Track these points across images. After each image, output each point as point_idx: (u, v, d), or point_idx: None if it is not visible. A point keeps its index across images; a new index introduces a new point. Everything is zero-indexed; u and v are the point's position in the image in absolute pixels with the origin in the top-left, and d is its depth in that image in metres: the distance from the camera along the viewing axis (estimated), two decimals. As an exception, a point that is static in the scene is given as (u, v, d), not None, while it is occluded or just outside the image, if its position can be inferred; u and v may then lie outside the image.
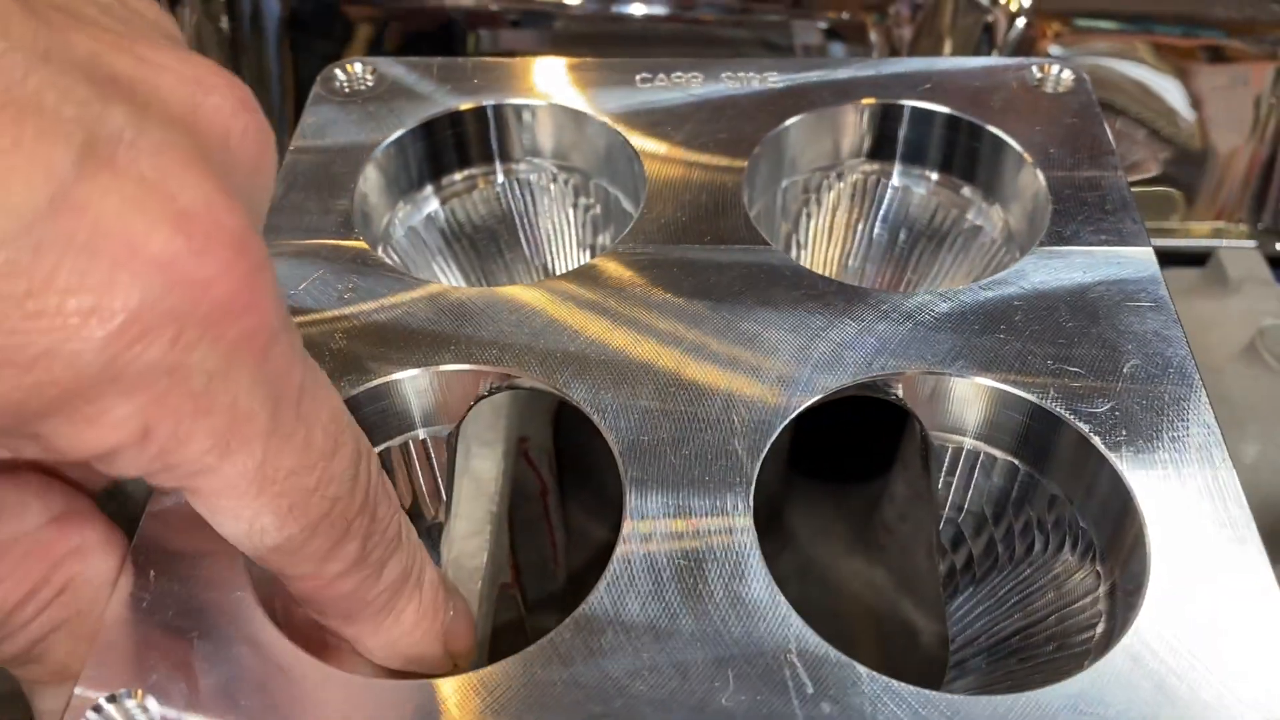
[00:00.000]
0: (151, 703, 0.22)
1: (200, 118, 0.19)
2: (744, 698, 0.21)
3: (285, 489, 0.20)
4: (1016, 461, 0.28)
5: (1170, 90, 0.55)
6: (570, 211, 0.36)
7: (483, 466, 0.34)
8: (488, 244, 0.36)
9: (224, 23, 0.57)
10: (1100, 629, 0.25)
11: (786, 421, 0.26)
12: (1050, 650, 0.27)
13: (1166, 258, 0.53)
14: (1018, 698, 0.21)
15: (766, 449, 0.26)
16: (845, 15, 0.55)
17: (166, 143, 0.17)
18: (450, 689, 0.22)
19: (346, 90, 0.36)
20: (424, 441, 0.29)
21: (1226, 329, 0.46)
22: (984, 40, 0.54)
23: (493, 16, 0.56)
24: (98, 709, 0.21)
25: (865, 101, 0.34)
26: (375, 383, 0.28)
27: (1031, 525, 0.29)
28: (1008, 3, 0.53)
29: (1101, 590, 0.26)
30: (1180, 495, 0.24)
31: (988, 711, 0.21)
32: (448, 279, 0.35)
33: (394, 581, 0.23)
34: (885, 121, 0.34)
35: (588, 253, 0.36)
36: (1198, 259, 0.56)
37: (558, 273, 0.36)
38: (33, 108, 0.16)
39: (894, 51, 0.55)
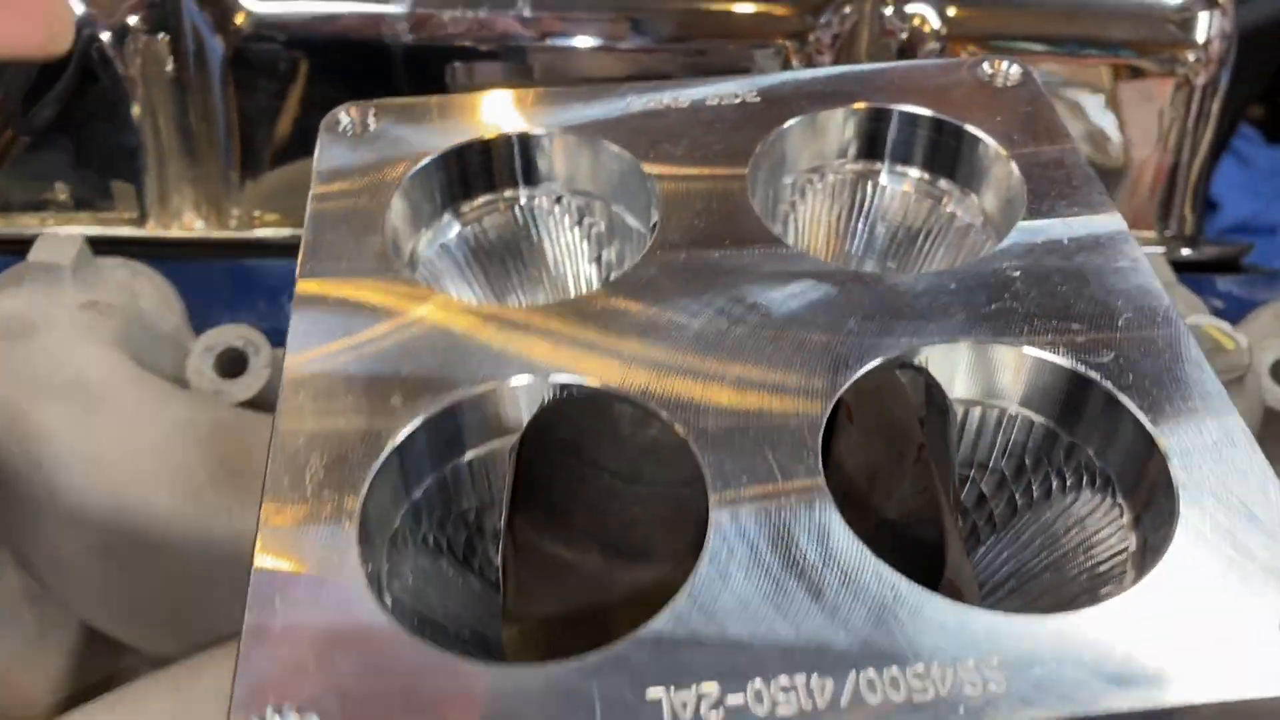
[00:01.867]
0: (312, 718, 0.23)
1: None
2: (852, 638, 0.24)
3: None
4: (1033, 414, 0.31)
5: (1078, 107, 0.60)
6: (576, 231, 0.38)
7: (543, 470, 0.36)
8: (506, 263, 0.38)
9: (169, 65, 0.57)
10: (1129, 559, 0.29)
11: (835, 397, 0.29)
12: (1083, 581, 0.30)
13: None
14: (1069, 614, 0.25)
15: (824, 422, 0.28)
16: (768, 43, 0.59)
17: None
18: (589, 670, 0.24)
19: (351, 132, 0.37)
20: (490, 454, 0.31)
21: None
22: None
23: (435, 53, 0.58)
24: None
25: (856, 106, 0.37)
26: (449, 401, 0.29)
27: (1050, 473, 0.32)
28: (921, 24, 0.57)
29: (1126, 521, 0.29)
30: (1190, 424, 0.28)
31: (1048, 628, 0.24)
32: (474, 296, 0.37)
33: None
34: (870, 124, 0.38)
35: (595, 266, 0.38)
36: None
37: (571, 287, 0.38)
38: None
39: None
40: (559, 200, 0.38)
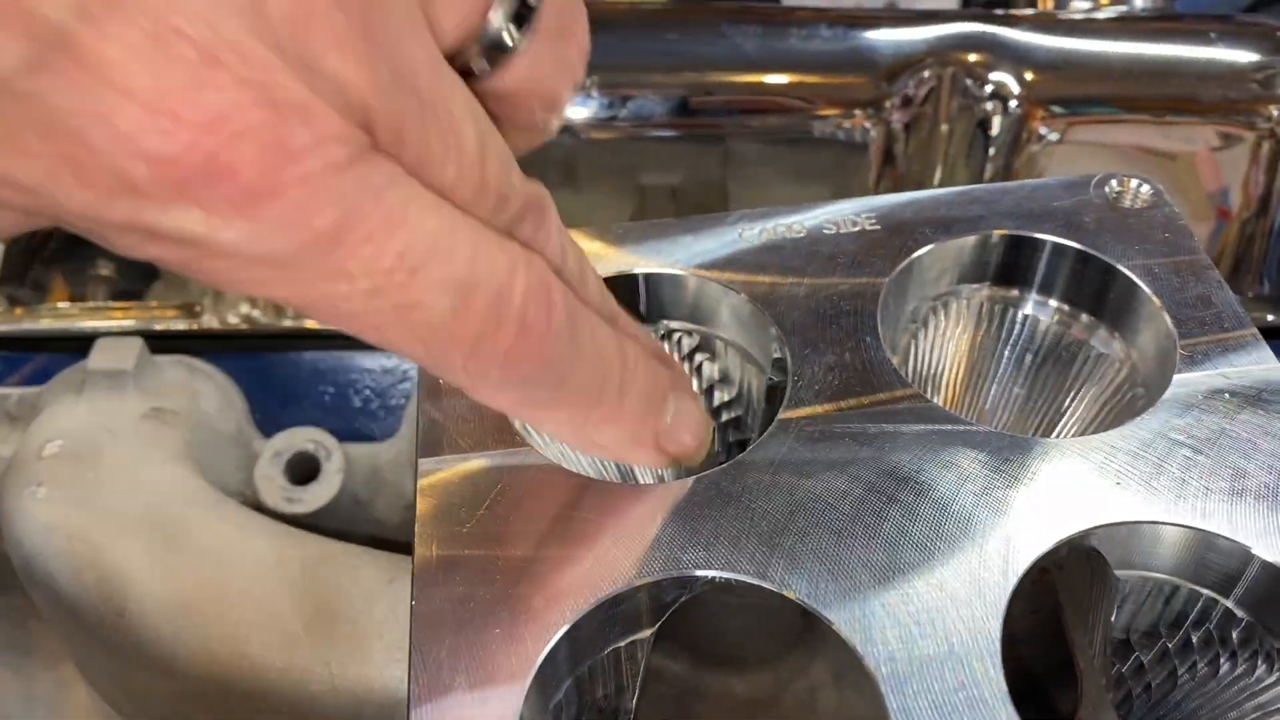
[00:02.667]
0: None
1: None
2: None
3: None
4: (1204, 590, 0.30)
5: (1163, 169, 0.58)
6: (687, 364, 0.36)
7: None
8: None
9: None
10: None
11: (1015, 583, 0.27)
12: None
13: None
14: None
15: (1003, 614, 0.27)
16: (844, 113, 0.57)
17: None
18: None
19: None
20: (633, 644, 0.29)
21: None
22: (978, 130, 0.56)
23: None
24: None
25: (999, 233, 0.35)
26: (591, 604, 0.27)
27: (1217, 647, 0.30)
28: (1001, 90, 0.55)
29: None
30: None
31: None
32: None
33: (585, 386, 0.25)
34: (1007, 252, 0.36)
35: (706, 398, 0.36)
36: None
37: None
38: None
39: (891, 139, 0.57)
40: (670, 334, 0.36)
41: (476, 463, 0.30)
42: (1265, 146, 0.59)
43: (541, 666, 0.27)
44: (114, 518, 0.43)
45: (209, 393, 0.54)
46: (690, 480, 0.30)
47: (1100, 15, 0.59)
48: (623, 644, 0.29)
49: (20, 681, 0.53)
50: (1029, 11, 0.61)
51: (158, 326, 0.57)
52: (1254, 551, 0.28)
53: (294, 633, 0.39)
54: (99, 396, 0.51)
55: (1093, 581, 0.31)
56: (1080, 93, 0.57)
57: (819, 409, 0.31)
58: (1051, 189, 0.37)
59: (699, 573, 0.28)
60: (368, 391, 0.56)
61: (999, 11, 0.59)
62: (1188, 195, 0.60)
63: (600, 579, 0.28)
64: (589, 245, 0.36)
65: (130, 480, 0.45)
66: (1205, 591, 0.30)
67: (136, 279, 0.59)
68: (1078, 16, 0.61)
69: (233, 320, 0.58)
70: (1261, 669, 0.29)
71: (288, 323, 0.58)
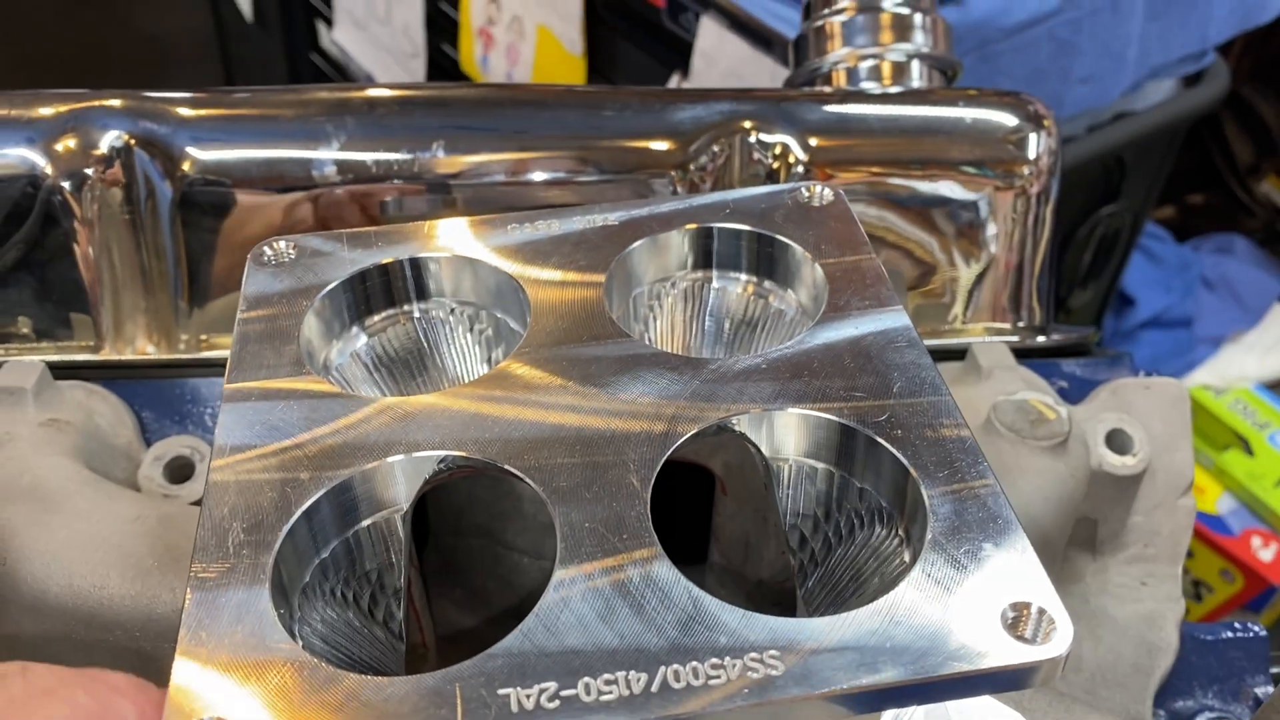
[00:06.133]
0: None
1: None
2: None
3: None
4: (831, 468, 0.38)
5: (931, 218, 0.68)
6: (469, 336, 0.45)
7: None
8: (407, 366, 0.44)
9: (123, 209, 0.65)
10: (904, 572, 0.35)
11: (668, 454, 0.36)
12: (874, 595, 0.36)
13: (940, 355, 0.63)
14: (835, 615, 0.31)
15: (653, 478, 0.35)
16: (656, 173, 0.67)
17: None
18: (453, 676, 0.30)
19: (274, 263, 0.44)
20: (386, 522, 0.37)
21: (976, 407, 0.58)
22: (769, 182, 0.67)
23: (360, 191, 0.66)
24: None
25: (687, 227, 0.45)
26: (345, 475, 0.36)
27: (850, 513, 0.39)
28: (785, 154, 0.66)
29: (900, 543, 0.36)
30: (944, 463, 0.35)
31: (818, 625, 0.31)
32: (380, 394, 0.43)
33: None
34: (703, 240, 0.45)
35: (486, 366, 0.45)
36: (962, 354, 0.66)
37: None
38: None
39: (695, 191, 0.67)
40: (452, 312, 0.45)
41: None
42: (1019, 200, 0.70)
43: (305, 522, 0.35)
44: (4, 490, 0.51)
45: (103, 411, 0.62)
46: (441, 393, 0.39)
47: (880, 90, 0.71)
48: (379, 519, 0.37)
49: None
50: (824, 90, 0.73)
51: (63, 359, 0.66)
52: (841, 421, 0.37)
53: (147, 568, 0.47)
54: (2, 410, 0.59)
55: (761, 472, 0.39)
56: (856, 155, 0.68)
57: (546, 348, 0.40)
58: (758, 196, 0.47)
59: (431, 453, 0.36)
60: (244, 411, 0.64)
61: (794, 90, 0.71)
62: (956, 240, 0.70)
63: (353, 457, 0.36)
64: (390, 237, 0.45)
65: (20, 466, 0.53)
66: (834, 470, 0.38)
67: (51, 326, 0.68)
68: (875, 91, 0.72)
69: (129, 354, 0.67)
70: (879, 528, 0.38)
71: (179, 355, 0.66)
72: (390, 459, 0.36)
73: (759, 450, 0.38)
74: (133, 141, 0.65)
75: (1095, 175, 1.67)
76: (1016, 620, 0.31)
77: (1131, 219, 1.82)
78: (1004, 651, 0.30)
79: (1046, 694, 0.51)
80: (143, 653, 0.47)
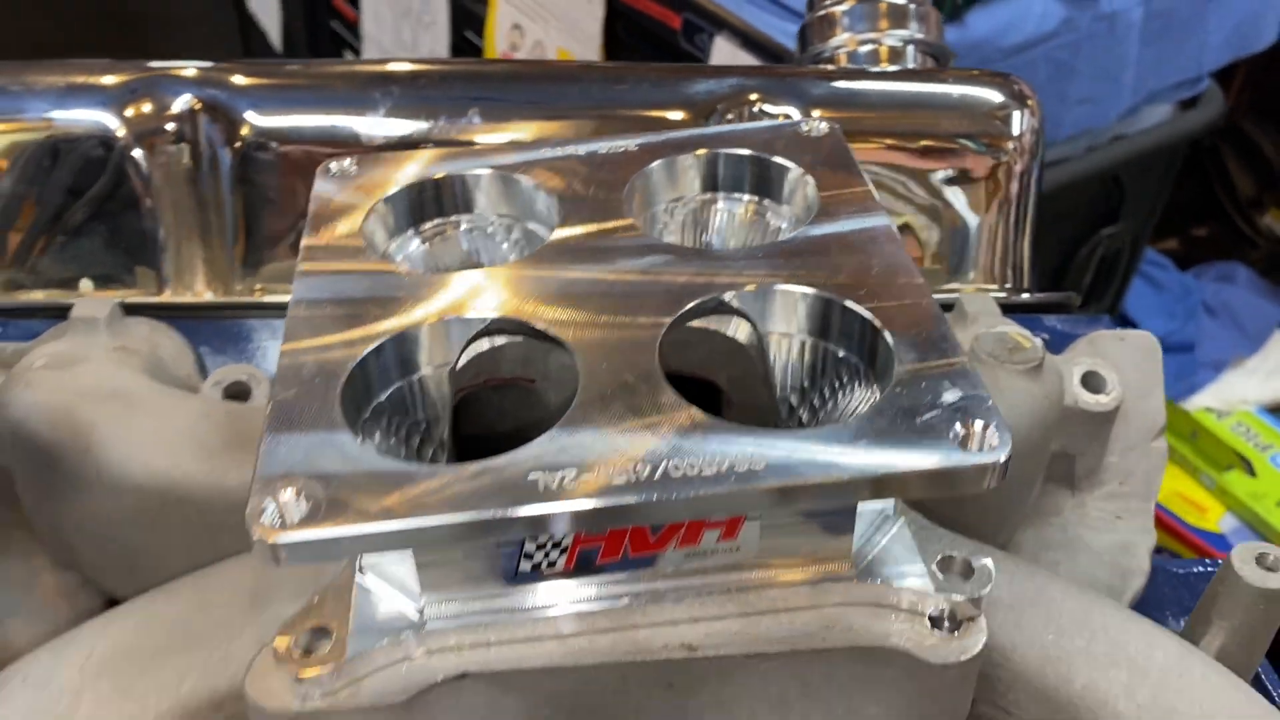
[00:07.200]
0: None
1: None
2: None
3: None
4: (817, 339, 0.44)
5: (926, 187, 0.75)
6: (505, 244, 0.52)
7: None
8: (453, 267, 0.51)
9: (187, 169, 0.72)
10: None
11: (676, 315, 0.42)
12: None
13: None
14: (815, 429, 0.37)
15: (662, 334, 0.41)
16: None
17: None
18: (493, 468, 0.36)
19: (339, 175, 0.51)
20: (436, 376, 0.43)
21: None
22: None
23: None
24: None
25: (700, 153, 0.51)
26: (402, 328, 0.42)
27: (831, 381, 0.45)
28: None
29: (872, 396, 0.42)
30: (909, 325, 0.41)
31: (796, 434, 0.37)
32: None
33: None
34: (710, 165, 0.52)
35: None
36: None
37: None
38: None
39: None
40: (492, 222, 0.52)
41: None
42: (1003, 170, 0.77)
43: (362, 368, 0.41)
44: (85, 393, 0.57)
45: (166, 344, 0.69)
46: (477, 273, 0.45)
47: (878, 70, 0.78)
48: (428, 373, 0.43)
49: (-1, 571, 0.65)
50: (827, 68, 0.79)
51: (128, 300, 0.72)
52: (825, 295, 0.43)
53: (217, 450, 0.53)
54: (79, 336, 0.65)
55: (757, 340, 0.45)
56: (855, 126, 0.75)
57: (571, 241, 0.47)
58: (762, 128, 0.53)
59: (468, 315, 0.43)
60: (293, 347, 0.71)
61: (800, 68, 0.78)
62: (946, 208, 0.77)
63: (411, 318, 0.42)
64: (442, 157, 0.52)
65: (98, 377, 0.60)
66: (818, 339, 0.44)
67: (118, 274, 0.75)
68: (873, 70, 0.79)
69: (189, 298, 0.73)
70: (857, 388, 0.44)
71: (235, 299, 0.73)
72: (444, 319, 0.42)
73: (753, 323, 0.44)
74: (199, 107, 0.72)
75: (1095, 196, 1.73)
76: (965, 437, 0.37)
77: (1131, 241, 1.88)
78: (952, 456, 0.36)
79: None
80: (210, 525, 0.53)
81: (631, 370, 0.40)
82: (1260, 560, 0.50)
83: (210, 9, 3.04)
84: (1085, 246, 1.79)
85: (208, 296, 0.74)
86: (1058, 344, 0.74)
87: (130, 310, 0.69)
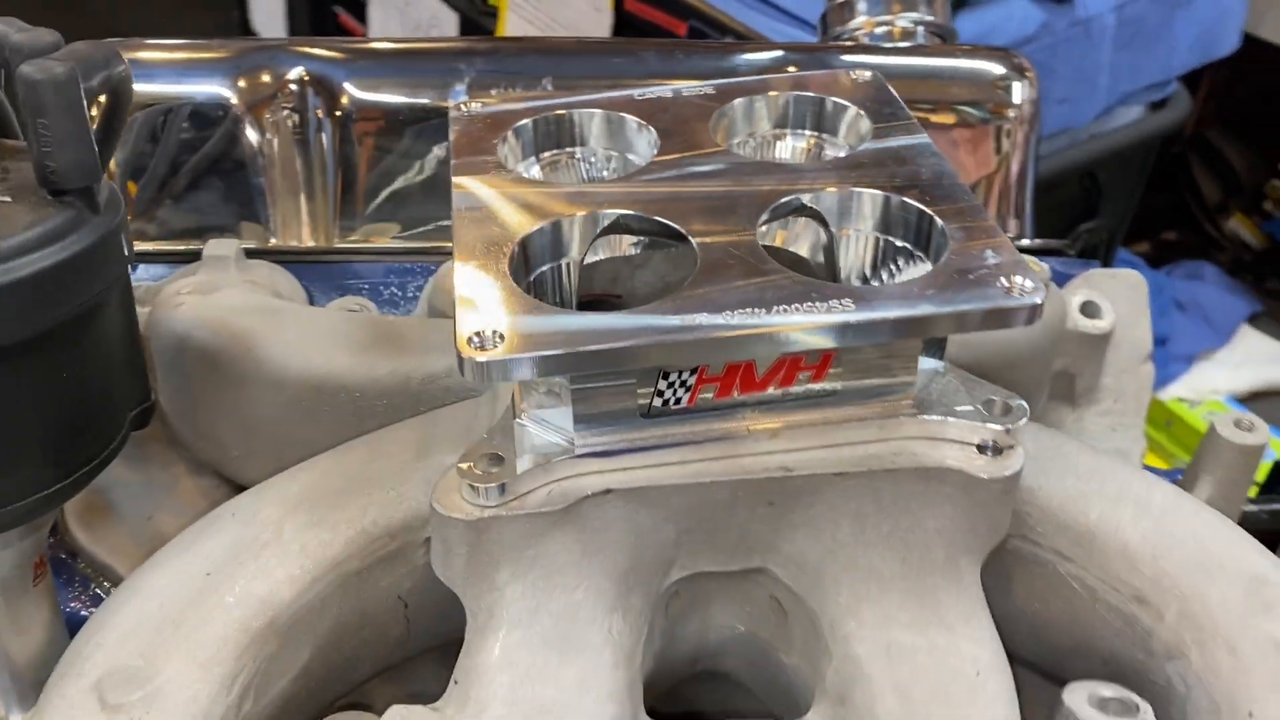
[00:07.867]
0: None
1: None
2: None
3: None
4: (879, 234, 0.55)
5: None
6: (607, 171, 0.62)
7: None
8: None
9: (293, 135, 0.82)
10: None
11: (767, 211, 0.52)
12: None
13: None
14: (889, 284, 0.47)
15: (759, 223, 0.51)
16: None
17: None
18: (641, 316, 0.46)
19: (468, 114, 0.61)
20: (569, 264, 0.54)
21: None
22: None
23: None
24: None
25: (772, 94, 0.62)
26: (547, 221, 0.52)
27: (890, 268, 0.55)
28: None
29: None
30: (956, 215, 0.51)
31: (875, 286, 0.47)
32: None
33: None
34: (780, 104, 0.62)
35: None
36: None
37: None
38: None
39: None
40: (595, 152, 0.62)
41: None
42: (1004, 135, 0.88)
43: (522, 248, 0.51)
44: (235, 309, 0.67)
45: (282, 283, 0.78)
46: (596, 183, 0.55)
47: (892, 45, 0.89)
48: (566, 261, 0.53)
49: (141, 476, 0.75)
50: (847, 43, 0.91)
51: (244, 246, 0.82)
52: (885, 194, 0.53)
53: (366, 345, 0.62)
54: (212, 270, 0.75)
55: (827, 239, 0.56)
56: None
57: (671, 164, 0.57)
58: (820, 75, 0.64)
59: (599, 212, 0.53)
60: (393, 286, 0.81)
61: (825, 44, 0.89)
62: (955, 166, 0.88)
63: (552, 211, 0.52)
64: (554, 100, 0.62)
65: (243, 297, 0.69)
66: (880, 235, 0.55)
67: (230, 226, 0.84)
68: (889, 46, 0.90)
69: (294, 243, 0.83)
70: (914, 268, 0.54)
71: (337, 245, 0.83)
72: (578, 214, 0.53)
73: (825, 222, 0.55)
74: (306, 78, 0.82)
75: (1073, 191, 1.85)
76: (1009, 287, 0.47)
77: (1108, 237, 2.00)
78: (1000, 300, 0.46)
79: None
80: (360, 412, 0.62)
81: (738, 248, 0.50)
82: (1239, 424, 0.60)
83: (214, 28, 3.14)
84: (1065, 240, 1.91)
85: (310, 245, 0.83)
86: (1056, 282, 0.85)
87: (247, 254, 0.79)
